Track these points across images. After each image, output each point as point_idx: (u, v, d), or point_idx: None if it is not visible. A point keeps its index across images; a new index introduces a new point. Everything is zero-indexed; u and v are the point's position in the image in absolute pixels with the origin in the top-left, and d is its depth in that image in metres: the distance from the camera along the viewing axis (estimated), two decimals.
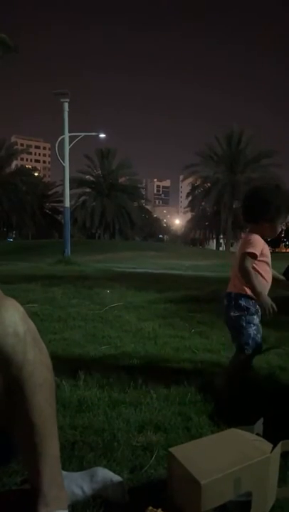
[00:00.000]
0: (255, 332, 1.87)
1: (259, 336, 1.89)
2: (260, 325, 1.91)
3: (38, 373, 0.89)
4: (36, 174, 51.45)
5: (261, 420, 1.20)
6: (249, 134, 36.16)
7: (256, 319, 1.89)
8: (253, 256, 1.83)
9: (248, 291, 1.86)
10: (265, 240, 1.95)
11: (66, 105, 12.12)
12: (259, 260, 1.87)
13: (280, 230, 1.97)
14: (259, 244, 1.86)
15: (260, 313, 1.93)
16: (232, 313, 1.89)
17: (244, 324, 1.86)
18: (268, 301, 1.80)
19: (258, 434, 1.15)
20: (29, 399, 0.88)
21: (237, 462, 0.99)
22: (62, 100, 12.04)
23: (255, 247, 1.84)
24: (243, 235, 2.00)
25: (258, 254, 1.84)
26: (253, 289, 1.83)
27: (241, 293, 1.88)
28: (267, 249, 1.92)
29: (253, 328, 1.87)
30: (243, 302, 1.87)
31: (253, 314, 1.88)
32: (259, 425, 1.20)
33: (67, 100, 12.08)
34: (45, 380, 0.91)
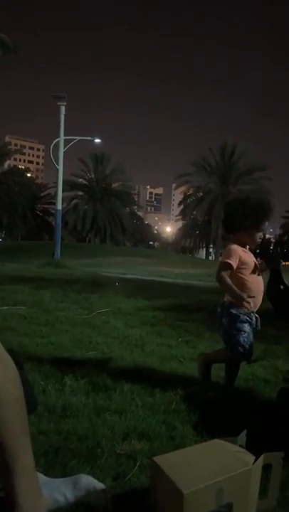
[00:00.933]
0: (246, 340, 1.95)
1: (249, 343, 1.96)
2: (251, 334, 1.98)
3: (3, 391, 0.86)
4: (29, 175, 51.19)
5: (244, 432, 1.22)
6: (243, 147, 36.68)
7: (247, 327, 1.97)
8: (227, 265, 1.96)
9: (231, 299, 1.99)
10: (251, 250, 2.07)
11: (63, 108, 12.17)
12: (242, 268, 1.98)
13: (261, 237, 2.06)
14: (235, 254, 1.97)
15: (254, 323, 2.01)
16: (223, 320, 2.00)
17: (234, 332, 1.96)
18: (244, 298, 1.91)
19: (241, 446, 1.17)
20: None
21: (220, 473, 1.00)
22: (59, 103, 12.09)
23: (230, 256, 1.96)
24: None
25: (233, 263, 1.95)
26: (230, 293, 1.95)
27: (232, 302, 1.98)
28: (247, 257, 2.01)
29: (244, 335, 1.95)
30: (233, 311, 1.97)
31: (243, 322, 1.96)
32: (242, 437, 1.22)
33: (64, 104, 12.14)
34: (12, 395, 0.88)
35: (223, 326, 2.02)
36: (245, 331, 1.96)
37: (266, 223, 2.07)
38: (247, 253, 2.04)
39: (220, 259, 2.14)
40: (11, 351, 1.14)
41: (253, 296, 1.98)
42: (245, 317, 1.98)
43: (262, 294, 2.03)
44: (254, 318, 2.04)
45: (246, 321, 1.98)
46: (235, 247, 1.99)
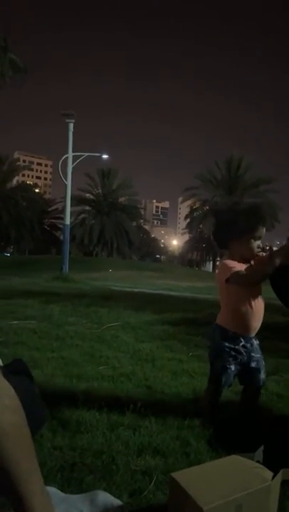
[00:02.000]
0: (226, 380, 1.77)
1: (226, 376, 1.75)
2: (232, 366, 1.75)
3: (1, 421, 0.84)
4: (37, 190, 51.94)
5: (262, 448, 1.21)
6: (249, 161, 36.95)
7: (230, 360, 1.74)
8: (239, 272, 1.68)
9: (224, 324, 1.77)
10: (248, 262, 1.77)
11: (71, 125, 12.43)
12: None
13: (257, 246, 1.76)
14: (236, 265, 1.70)
15: (244, 355, 1.76)
16: (210, 343, 1.85)
17: (211, 359, 1.83)
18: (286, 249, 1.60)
19: (258, 462, 1.16)
20: None
21: (238, 489, 1.00)
22: (67, 121, 12.35)
23: (233, 267, 1.69)
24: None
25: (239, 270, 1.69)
26: (263, 269, 1.63)
27: (219, 324, 1.79)
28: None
29: (226, 374, 1.75)
30: (216, 336, 1.78)
31: (230, 356, 1.74)
32: (259, 453, 1.21)
33: (73, 121, 12.40)
34: (11, 425, 0.86)
35: (209, 349, 1.87)
36: (229, 368, 1.75)
37: (264, 230, 1.75)
38: (243, 266, 1.75)
39: (217, 280, 1.70)
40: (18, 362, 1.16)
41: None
42: (232, 352, 1.74)
43: (262, 317, 1.79)
44: (249, 345, 1.77)
45: (232, 355, 1.74)
46: (230, 261, 1.73)
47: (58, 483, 1.23)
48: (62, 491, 1.17)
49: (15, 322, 3.95)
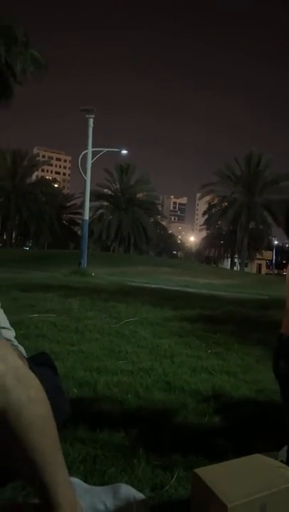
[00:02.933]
0: None
1: None
2: None
3: (26, 412, 0.84)
4: (56, 186, 52.49)
5: (285, 447, 1.20)
6: (269, 157, 36.29)
7: None
8: None
9: None
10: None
11: (91, 121, 12.47)
12: None
13: None
14: None
15: None
16: (281, 362, 1.40)
17: None
18: None
19: (282, 461, 1.15)
20: (21, 440, 0.84)
21: (263, 488, 0.99)
22: (87, 116, 12.39)
23: None
24: None
25: None
26: None
27: None
28: None
29: None
30: None
31: None
32: (283, 452, 1.20)
33: (93, 116, 12.44)
34: (36, 416, 0.86)
35: (279, 369, 1.42)
36: None
37: None
38: None
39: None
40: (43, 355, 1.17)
41: None
42: None
43: None
44: None
45: None
46: None
47: (82, 474, 1.26)
48: (85, 482, 1.19)
49: (35, 315, 4.02)
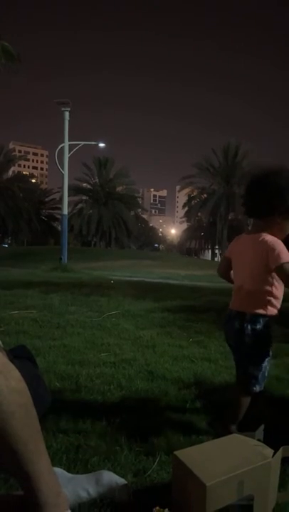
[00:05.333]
0: (267, 365, 1.52)
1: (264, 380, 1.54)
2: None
3: (7, 402, 0.85)
4: (34, 181, 51.56)
5: (262, 427, 1.24)
6: (246, 148, 36.70)
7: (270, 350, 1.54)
8: None
9: (270, 311, 1.49)
10: None
11: (67, 114, 12.26)
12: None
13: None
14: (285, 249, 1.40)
15: None
16: (247, 340, 1.48)
17: (258, 353, 1.50)
18: None
19: (259, 440, 1.19)
20: (3, 429, 0.85)
21: (240, 466, 1.02)
22: (63, 109, 12.18)
23: (286, 252, 1.39)
24: (244, 236, 1.59)
25: None
26: None
27: (260, 313, 1.48)
28: None
29: (267, 360, 1.52)
30: (260, 326, 1.48)
31: (269, 350, 1.52)
32: (260, 432, 1.24)
33: (68, 109, 12.23)
34: (18, 406, 0.87)
35: (244, 346, 1.50)
36: (269, 355, 1.53)
37: None
38: None
39: (275, 260, 1.32)
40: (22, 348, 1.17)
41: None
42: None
43: None
44: None
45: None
46: (280, 242, 1.42)
47: (64, 464, 1.26)
48: (68, 472, 1.20)
49: (16, 312, 3.97)
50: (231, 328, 1.56)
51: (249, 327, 1.49)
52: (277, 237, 1.45)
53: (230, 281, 1.72)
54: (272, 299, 1.49)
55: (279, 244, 1.41)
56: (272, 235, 1.45)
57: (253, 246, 1.47)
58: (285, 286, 1.47)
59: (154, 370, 2.35)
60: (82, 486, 1.13)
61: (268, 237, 1.44)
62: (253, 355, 1.51)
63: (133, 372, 2.30)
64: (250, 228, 1.63)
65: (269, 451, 1.10)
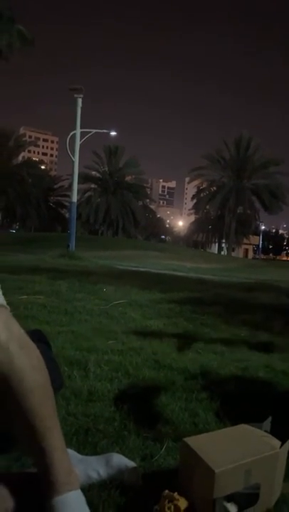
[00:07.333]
0: None
1: None
2: None
3: (28, 379, 0.89)
4: (43, 167, 51.51)
5: (269, 419, 1.26)
6: (258, 141, 36.24)
7: None
8: None
9: None
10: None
11: (80, 101, 12.19)
12: None
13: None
14: None
15: None
16: None
17: None
18: None
19: (266, 431, 1.21)
20: (22, 405, 0.89)
21: (248, 455, 1.05)
22: (76, 96, 12.10)
23: None
24: None
25: None
26: None
27: None
28: None
29: None
30: None
31: None
32: (267, 423, 1.26)
33: (81, 96, 12.15)
34: (37, 383, 0.91)
35: None
36: None
37: None
38: None
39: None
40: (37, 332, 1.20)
41: None
42: None
43: None
44: None
45: None
46: None
47: (74, 446, 1.30)
48: (78, 452, 1.23)
49: (24, 297, 4.02)
50: None
51: None
52: None
53: None
54: None
55: None
56: None
57: None
58: None
59: (161, 359, 2.38)
60: (92, 467, 1.16)
61: None
62: None
63: (140, 360, 2.33)
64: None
65: (276, 442, 1.12)
